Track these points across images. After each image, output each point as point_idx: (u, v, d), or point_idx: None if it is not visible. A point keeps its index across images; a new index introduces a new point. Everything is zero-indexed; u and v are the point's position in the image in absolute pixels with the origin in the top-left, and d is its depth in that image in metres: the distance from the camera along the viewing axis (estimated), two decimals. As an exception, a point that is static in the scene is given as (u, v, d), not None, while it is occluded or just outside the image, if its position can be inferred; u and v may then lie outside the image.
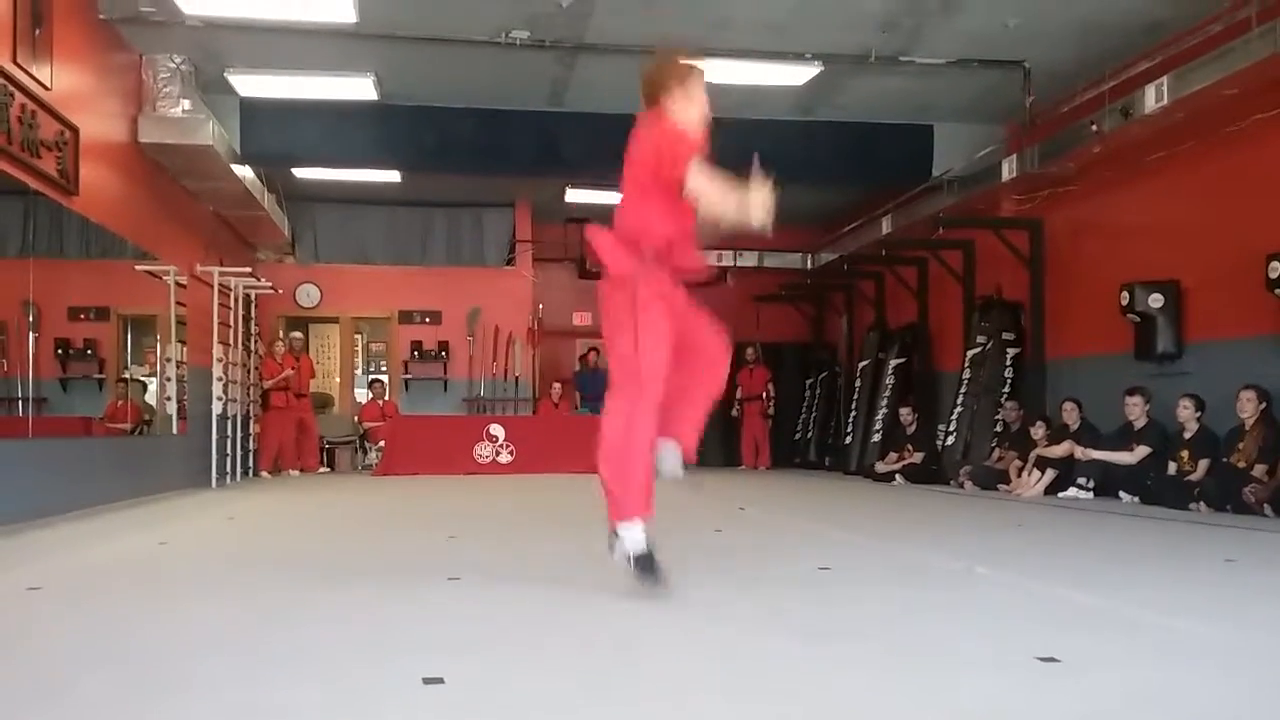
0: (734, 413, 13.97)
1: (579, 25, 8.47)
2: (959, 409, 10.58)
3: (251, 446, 11.38)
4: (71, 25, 7.43)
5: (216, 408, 10.15)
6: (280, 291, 12.88)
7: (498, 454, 12.24)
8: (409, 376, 14.41)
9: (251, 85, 9.71)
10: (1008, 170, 9.91)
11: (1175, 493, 7.30)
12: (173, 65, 9.01)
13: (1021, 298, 10.44)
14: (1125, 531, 6.05)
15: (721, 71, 9.33)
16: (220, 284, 10.55)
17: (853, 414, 12.86)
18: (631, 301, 3.28)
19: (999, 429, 10.22)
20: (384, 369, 15.11)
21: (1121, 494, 7.87)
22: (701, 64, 3.51)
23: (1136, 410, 8.11)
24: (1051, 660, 2.55)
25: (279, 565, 4.61)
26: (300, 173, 12.30)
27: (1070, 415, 8.78)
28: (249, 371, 11.50)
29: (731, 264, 13.86)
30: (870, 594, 3.75)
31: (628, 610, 3.34)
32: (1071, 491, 8.20)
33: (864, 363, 12.93)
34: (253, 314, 11.74)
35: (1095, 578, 4.13)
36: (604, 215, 13.29)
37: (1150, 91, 7.81)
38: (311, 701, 2.28)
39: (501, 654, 2.74)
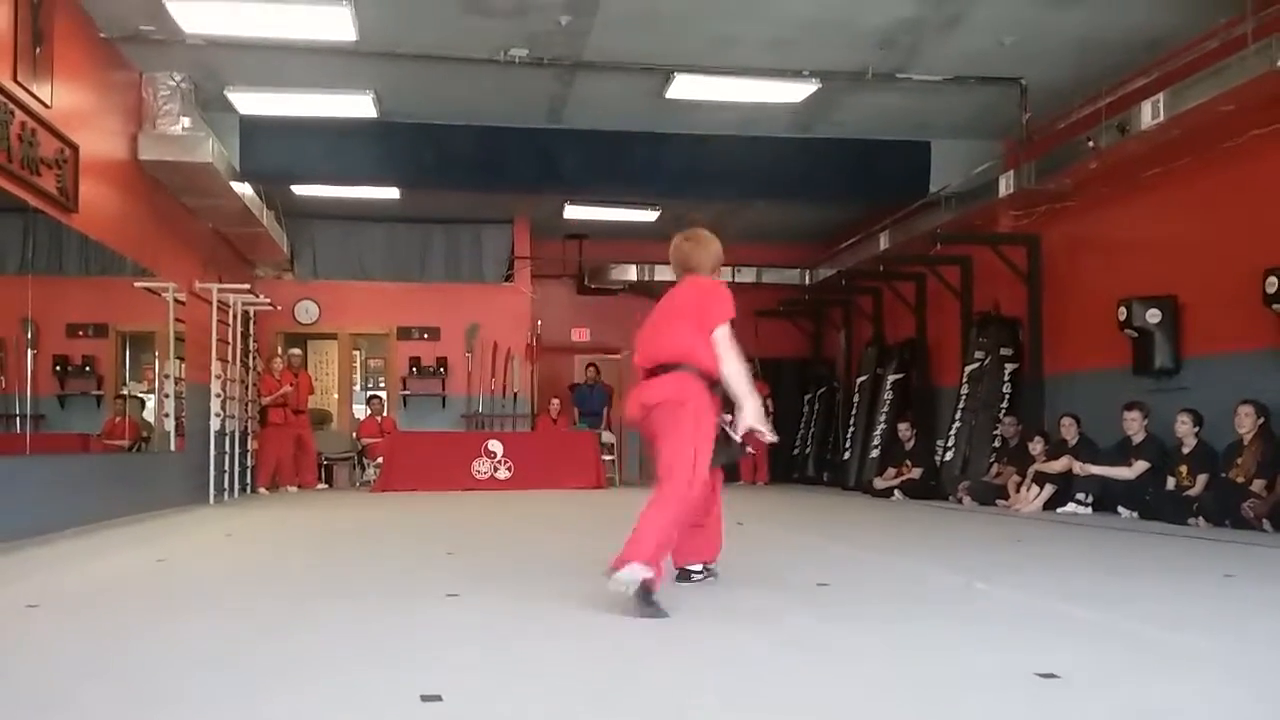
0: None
1: (577, 43, 8.51)
2: (957, 424, 10.58)
3: (249, 463, 11.36)
4: (72, 44, 7.46)
5: (215, 424, 10.14)
6: (279, 308, 12.89)
7: (496, 470, 12.22)
8: (407, 393, 14.40)
9: (251, 103, 9.74)
10: (1005, 186, 9.94)
11: (1174, 508, 7.29)
12: (173, 83, 9.04)
13: (1019, 313, 10.45)
14: (1124, 546, 6.05)
15: (720, 89, 9.42)
16: (219, 301, 10.56)
17: (851, 429, 12.85)
18: (695, 417, 3.84)
19: (997, 444, 10.21)
20: (382, 385, 15.11)
21: (1120, 509, 7.87)
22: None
23: (1135, 425, 8.11)
24: (1051, 676, 2.55)
25: (276, 581, 4.61)
26: (299, 190, 12.32)
27: (1068, 430, 8.78)
28: (247, 388, 11.49)
29: (730, 279, 13.89)
30: (870, 609, 3.74)
31: (627, 625, 3.33)
32: (1070, 507, 8.19)
33: (862, 378, 12.93)
34: (251, 330, 11.74)
35: (1094, 593, 4.13)
36: (603, 231, 13.32)
37: (1147, 108, 7.84)
38: (309, 717, 2.28)
39: (500, 670, 2.73)
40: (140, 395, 9.48)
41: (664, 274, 14.39)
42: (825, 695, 2.47)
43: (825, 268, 13.97)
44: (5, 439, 6.82)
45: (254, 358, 11.90)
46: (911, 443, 11.05)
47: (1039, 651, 2.92)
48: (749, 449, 4.07)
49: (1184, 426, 7.61)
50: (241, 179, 10.41)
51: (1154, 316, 8.44)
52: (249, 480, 11.31)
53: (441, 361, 14.36)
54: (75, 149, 7.30)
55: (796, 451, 14.84)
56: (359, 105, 9.70)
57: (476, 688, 2.52)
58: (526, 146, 10.66)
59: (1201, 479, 7.38)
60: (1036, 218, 10.26)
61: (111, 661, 2.87)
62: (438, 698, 2.36)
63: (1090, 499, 8.11)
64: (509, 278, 14.70)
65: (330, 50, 8.44)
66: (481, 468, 12.19)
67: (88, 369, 8.20)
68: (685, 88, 9.26)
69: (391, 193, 12.53)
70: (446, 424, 14.17)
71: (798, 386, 15.07)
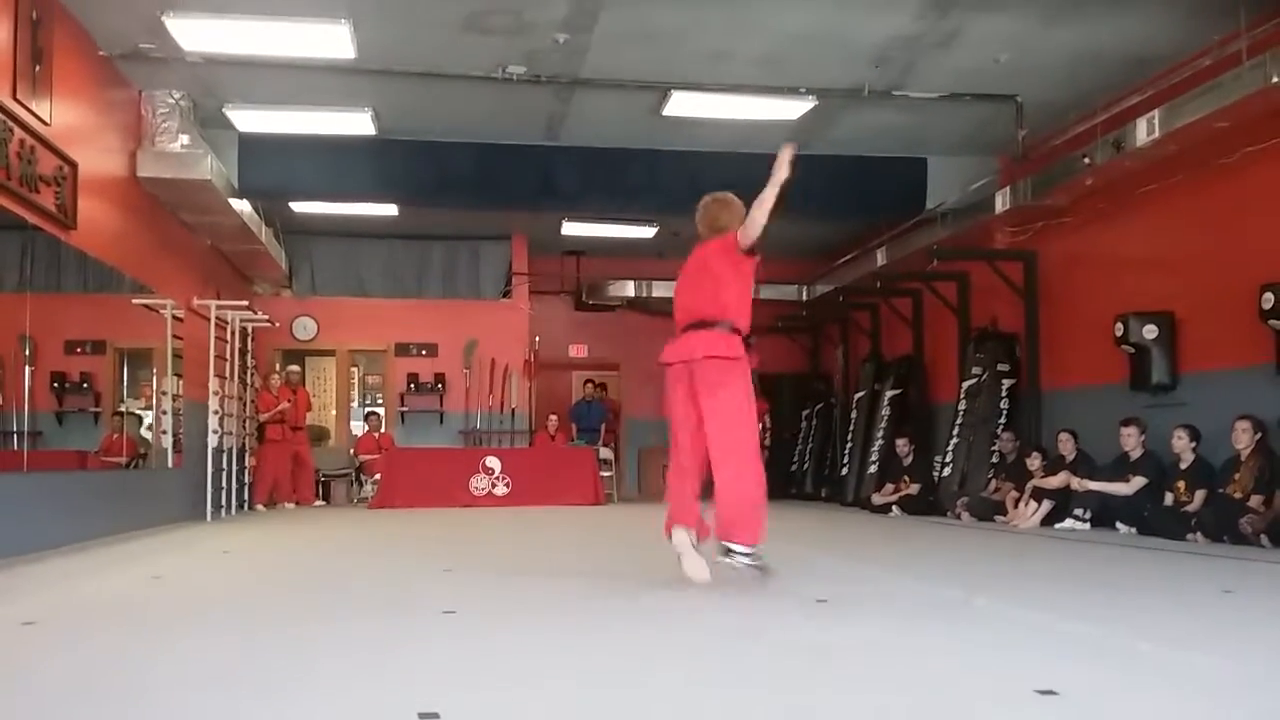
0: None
1: (575, 61, 8.54)
2: (955, 440, 10.58)
3: (247, 480, 11.34)
4: (71, 61, 7.48)
5: (212, 441, 10.13)
6: (277, 324, 12.89)
7: (494, 486, 12.20)
8: (405, 409, 14.39)
9: (250, 120, 9.77)
10: (1001, 203, 9.97)
11: (1172, 523, 7.29)
12: (172, 101, 9.08)
13: (1016, 329, 10.47)
14: (1123, 562, 6.05)
15: (717, 106, 9.46)
16: (217, 317, 10.56)
17: (849, 445, 12.85)
18: (745, 376, 4.17)
19: (995, 460, 10.21)
20: (380, 401, 15.10)
21: (1118, 525, 7.86)
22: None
23: (1132, 441, 8.12)
24: (1050, 693, 2.54)
25: (273, 599, 4.60)
26: (298, 207, 12.35)
27: (1066, 446, 8.78)
28: (245, 404, 11.49)
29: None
30: (868, 626, 3.73)
31: (624, 642, 3.33)
32: (1068, 522, 8.18)
33: (860, 394, 12.94)
34: (249, 347, 11.74)
35: (1093, 608, 4.13)
36: (600, 247, 13.31)
37: (1142, 125, 7.87)
38: (307, 736, 2.27)
39: (498, 687, 2.72)
40: (138, 412, 9.47)
41: (661, 290, 14.45)
42: (823, 711, 2.47)
43: (823, 284, 14.00)
44: (2, 456, 6.81)
45: (252, 374, 11.89)
46: (909, 458, 11.05)
47: (1038, 668, 2.92)
48: None
49: (1181, 442, 7.61)
50: (240, 196, 10.43)
51: (1150, 332, 8.46)
52: (246, 497, 11.28)
53: (439, 378, 14.36)
54: (74, 166, 7.32)
55: (794, 467, 14.83)
56: (357, 123, 9.73)
57: (474, 705, 2.51)
58: (524, 163, 10.69)
59: (1199, 494, 7.38)
60: (1033, 234, 10.29)
61: (106, 680, 2.86)
62: (435, 716, 2.35)
63: (1088, 515, 8.10)
64: (507, 294, 14.72)
65: (329, 68, 8.47)
66: (479, 484, 12.17)
67: (85, 386, 8.19)
68: (682, 105, 9.31)
69: (390, 209, 12.55)
70: (444, 440, 14.16)
71: (795, 402, 15.07)
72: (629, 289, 14.74)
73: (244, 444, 11.28)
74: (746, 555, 4.16)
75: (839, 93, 9.17)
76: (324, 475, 13.60)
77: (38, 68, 6.79)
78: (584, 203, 11.73)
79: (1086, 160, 8.59)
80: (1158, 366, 8.47)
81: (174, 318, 9.59)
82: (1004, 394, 10.39)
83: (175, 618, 4.08)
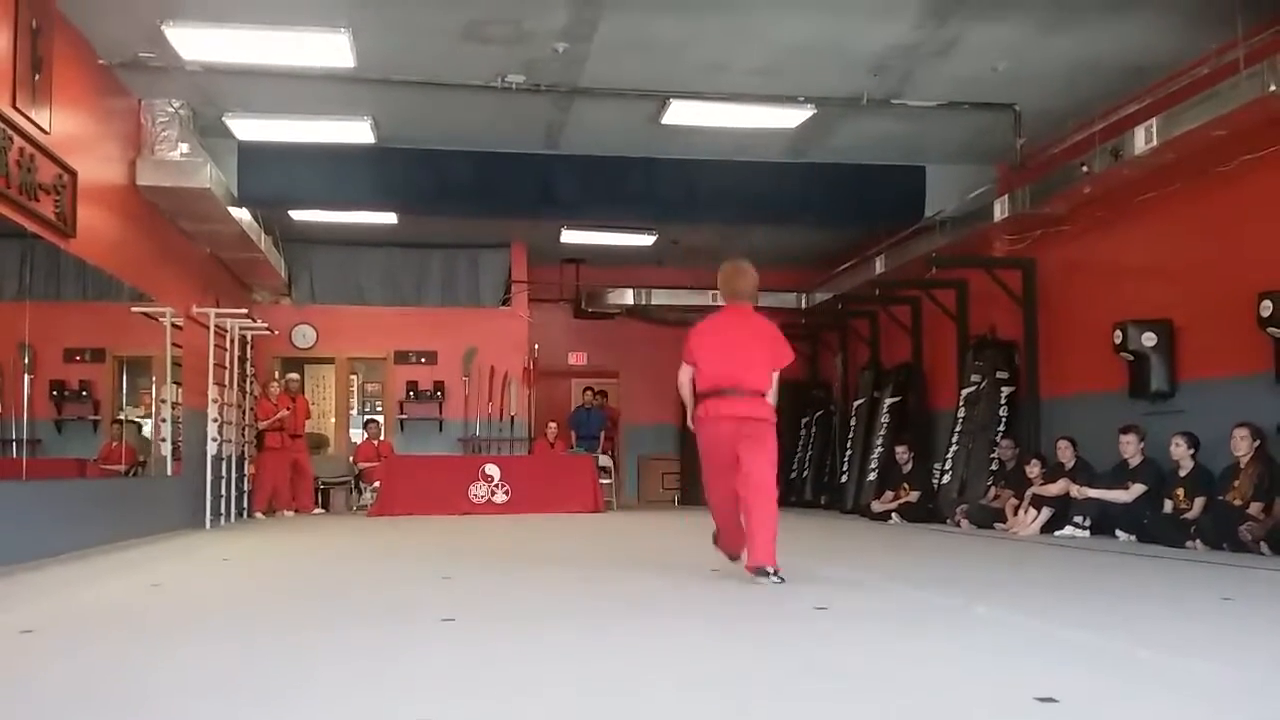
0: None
1: (574, 70, 8.56)
2: (954, 447, 10.58)
3: (246, 488, 11.34)
4: (71, 70, 7.49)
5: (211, 449, 10.12)
6: (276, 332, 12.88)
7: (493, 494, 12.19)
8: (404, 417, 14.39)
9: (249, 129, 9.78)
10: (1000, 211, 9.99)
11: (1171, 531, 7.29)
12: (171, 109, 9.09)
13: (1015, 336, 10.47)
14: (1122, 570, 6.05)
15: (715, 115, 9.48)
16: (216, 325, 10.56)
17: (848, 453, 12.84)
18: (775, 438, 5.21)
19: (994, 467, 10.21)
20: (379, 409, 15.10)
21: (1118, 532, 7.86)
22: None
23: (1131, 448, 8.12)
24: (1050, 700, 2.54)
25: (273, 606, 4.59)
26: (297, 215, 12.36)
27: (1065, 453, 8.78)
28: (244, 412, 11.48)
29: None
30: (867, 634, 3.73)
31: (624, 650, 3.33)
32: (1068, 530, 8.18)
33: (859, 401, 12.94)
34: (249, 355, 11.74)
35: (1093, 616, 4.13)
36: (600, 255, 13.36)
37: (1140, 133, 7.88)
38: (307, 743, 2.27)
39: (497, 695, 2.72)
40: (137, 420, 9.47)
41: (660, 298, 14.49)
42: (823, 718, 2.47)
43: (821, 291, 14.00)
44: (2, 464, 6.81)
45: (251, 382, 11.89)
46: (909, 466, 11.04)
47: (1038, 675, 2.92)
48: None
49: (1179, 449, 7.62)
50: (239, 204, 10.44)
51: (1149, 340, 8.46)
52: (246, 505, 11.28)
53: (439, 385, 14.36)
54: (74, 174, 7.33)
55: (794, 475, 14.82)
56: (357, 131, 9.74)
57: (473, 712, 2.51)
58: (524, 171, 10.70)
59: (1199, 502, 7.38)
60: (1031, 242, 10.30)
61: (105, 688, 2.86)
62: (435, 723, 2.36)
63: (1088, 522, 8.10)
64: (506, 302, 14.73)
65: (328, 77, 8.49)
66: (479, 491, 12.16)
67: (85, 393, 8.20)
68: (681, 113, 9.32)
69: (389, 218, 12.56)
70: (444, 448, 14.15)
71: (795, 410, 15.03)
72: (628, 296, 14.73)
73: (243, 452, 11.28)
74: (776, 575, 4.80)
75: (837, 101, 9.18)
76: (323, 483, 13.59)
77: (37, 76, 6.80)
78: (583, 211, 11.74)
79: (1085, 168, 8.60)
80: (1156, 374, 8.47)
81: (173, 326, 9.59)
82: (1003, 401, 10.39)
83: (174, 625, 4.08)
